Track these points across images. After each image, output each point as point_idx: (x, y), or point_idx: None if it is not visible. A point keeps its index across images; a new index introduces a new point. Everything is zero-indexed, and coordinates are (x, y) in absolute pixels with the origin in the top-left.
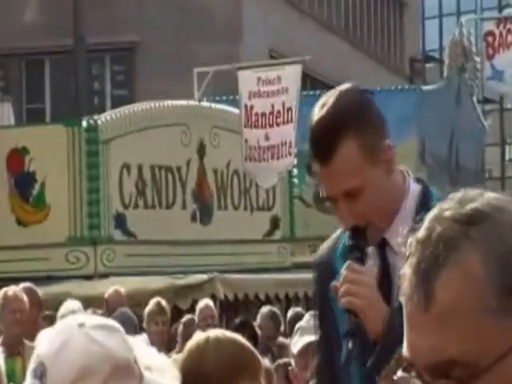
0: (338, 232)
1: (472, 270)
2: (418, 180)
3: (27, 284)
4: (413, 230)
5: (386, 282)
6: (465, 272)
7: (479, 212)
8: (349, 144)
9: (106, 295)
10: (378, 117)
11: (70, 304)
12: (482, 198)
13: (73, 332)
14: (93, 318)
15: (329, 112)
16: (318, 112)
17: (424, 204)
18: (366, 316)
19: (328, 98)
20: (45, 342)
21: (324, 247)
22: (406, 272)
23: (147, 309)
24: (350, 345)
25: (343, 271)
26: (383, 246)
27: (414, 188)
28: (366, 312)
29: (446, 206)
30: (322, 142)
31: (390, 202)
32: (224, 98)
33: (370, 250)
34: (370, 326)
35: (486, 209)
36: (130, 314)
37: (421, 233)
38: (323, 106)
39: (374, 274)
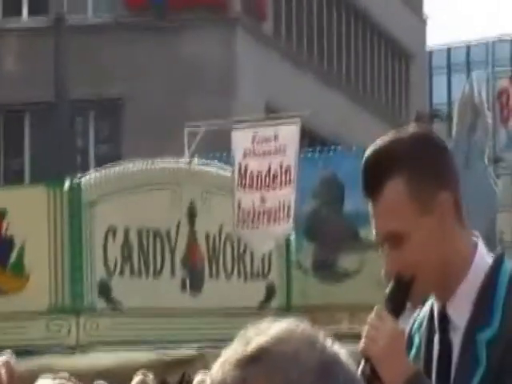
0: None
1: None
2: (496, 253)
3: (4, 356)
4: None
5: (444, 362)
6: None
7: (259, 349)
8: (396, 182)
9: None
10: (440, 165)
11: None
12: (268, 331)
13: None
14: None
15: (383, 146)
16: (375, 144)
17: (491, 280)
18: (380, 364)
19: (391, 133)
20: None
21: (414, 316)
22: None
23: None
24: None
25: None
26: (444, 320)
27: (484, 258)
28: (381, 360)
29: (232, 349)
30: (370, 176)
31: (447, 265)
32: (217, 154)
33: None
34: (386, 378)
35: (268, 344)
36: None
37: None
38: (382, 139)
39: (405, 331)
